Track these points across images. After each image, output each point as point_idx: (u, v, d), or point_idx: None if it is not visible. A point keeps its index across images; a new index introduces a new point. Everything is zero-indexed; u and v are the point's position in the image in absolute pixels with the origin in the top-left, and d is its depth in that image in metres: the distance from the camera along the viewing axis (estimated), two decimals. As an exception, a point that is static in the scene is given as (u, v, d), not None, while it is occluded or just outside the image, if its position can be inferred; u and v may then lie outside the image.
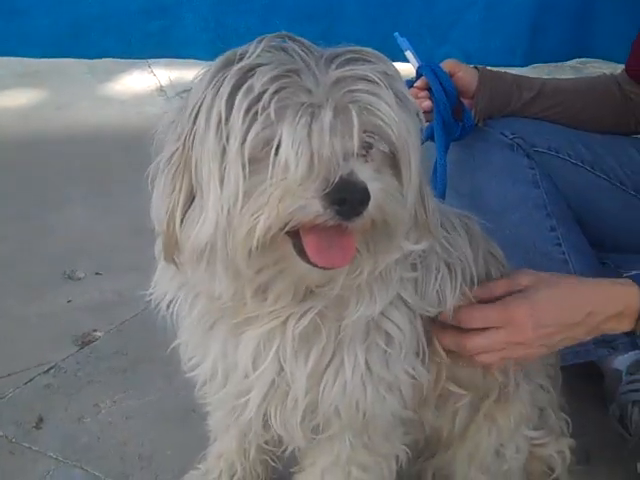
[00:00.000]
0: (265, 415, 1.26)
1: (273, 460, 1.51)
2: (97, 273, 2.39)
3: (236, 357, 1.22)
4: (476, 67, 1.87)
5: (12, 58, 3.23)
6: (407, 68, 1.78)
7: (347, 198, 0.98)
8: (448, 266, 1.28)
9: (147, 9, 2.97)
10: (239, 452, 1.52)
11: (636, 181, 1.91)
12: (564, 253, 1.78)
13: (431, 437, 1.47)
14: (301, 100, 0.98)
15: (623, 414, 1.70)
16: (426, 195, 1.15)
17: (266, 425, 1.28)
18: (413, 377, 1.26)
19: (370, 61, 1.04)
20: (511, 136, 1.88)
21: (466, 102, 1.85)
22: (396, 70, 1.08)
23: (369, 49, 1.07)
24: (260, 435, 1.33)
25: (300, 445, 1.33)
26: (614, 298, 1.35)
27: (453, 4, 2.91)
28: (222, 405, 1.36)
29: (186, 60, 3.84)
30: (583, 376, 1.79)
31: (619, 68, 2.06)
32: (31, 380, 1.94)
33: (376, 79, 1.02)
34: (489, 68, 1.90)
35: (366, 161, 1.04)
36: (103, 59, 4.05)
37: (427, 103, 1.76)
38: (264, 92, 0.98)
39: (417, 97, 1.77)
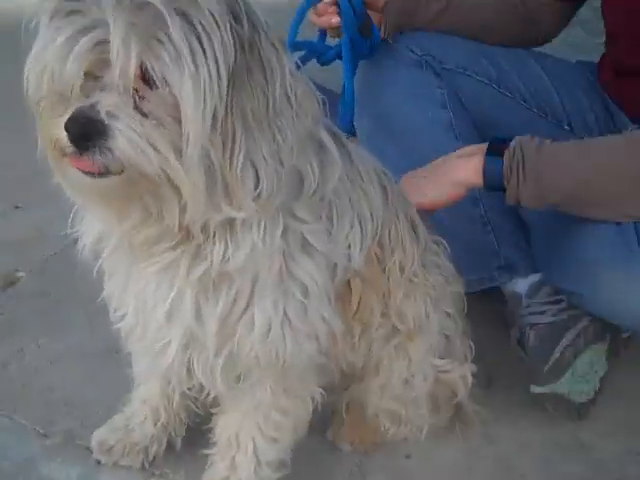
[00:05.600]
0: (188, 363, 1.26)
1: (196, 406, 1.51)
2: (16, 207, 2.30)
3: (154, 300, 1.21)
4: None
5: None
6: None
7: (70, 128, 0.97)
8: (360, 221, 1.26)
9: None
10: (163, 398, 1.52)
11: (539, 99, 1.90)
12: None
13: (346, 372, 1.49)
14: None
15: (522, 337, 1.74)
16: (236, 162, 1.02)
17: (189, 372, 1.28)
18: (328, 324, 1.27)
19: None
20: (420, 53, 1.84)
21: (375, 17, 1.80)
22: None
23: None
24: (184, 382, 1.33)
25: (222, 392, 1.34)
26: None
27: None
28: (145, 352, 1.35)
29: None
30: (487, 301, 1.82)
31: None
32: (-48, 326, 1.88)
33: (165, 8, 0.93)
34: None
35: (140, 102, 0.97)
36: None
37: (335, 19, 1.71)
38: None
39: (326, 13, 1.72)
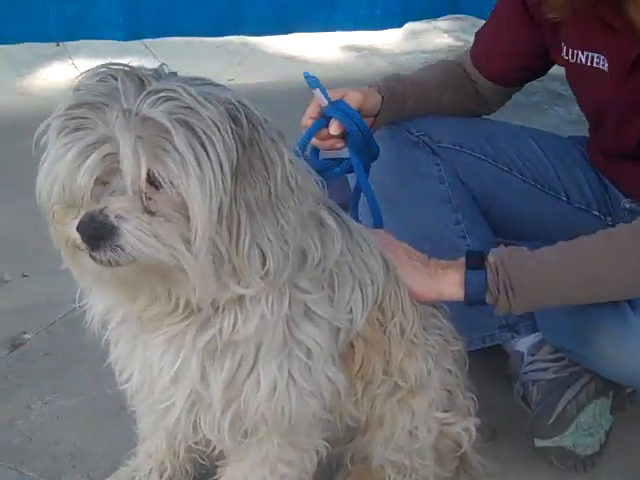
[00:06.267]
0: (195, 421, 1.30)
1: (202, 458, 1.53)
2: (24, 275, 2.36)
3: (159, 366, 1.26)
4: (380, 92, 1.83)
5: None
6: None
7: (82, 231, 1.06)
8: (360, 287, 1.33)
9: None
10: (169, 452, 1.54)
11: (534, 171, 1.98)
12: (469, 245, 1.84)
13: (351, 426, 1.51)
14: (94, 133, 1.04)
15: (526, 392, 1.78)
16: (242, 246, 1.10)
17: (195, 429, 1.31)
18: (333, 383, 1.32)
19: (174, 98, 1.04)
20: (417, 134, 1.93)
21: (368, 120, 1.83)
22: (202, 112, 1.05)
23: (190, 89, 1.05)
24: (190, 437, 1.36)
25: (229, 447, 1.37)
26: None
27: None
28: (151, 411, 1.39)
29: (106, 46, 3.83)
30: (491, 357, 1.86)
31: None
32: (-39, 385, 1.90)
33: (168, 121, 1.03)
34: (390, 88, 1.87)
35: (147, 202, 1.06)
36: (23, 52, 4.03)
37: (340, 144, 1.72)
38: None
39: (329, 138, 1.71)
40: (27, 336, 2.11)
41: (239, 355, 1.23)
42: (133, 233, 1.05)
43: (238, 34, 4.14)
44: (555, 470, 1.70)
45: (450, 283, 1.50)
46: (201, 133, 1.04)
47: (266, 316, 1.19)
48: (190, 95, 1.04)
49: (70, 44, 4.09)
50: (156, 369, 1.26)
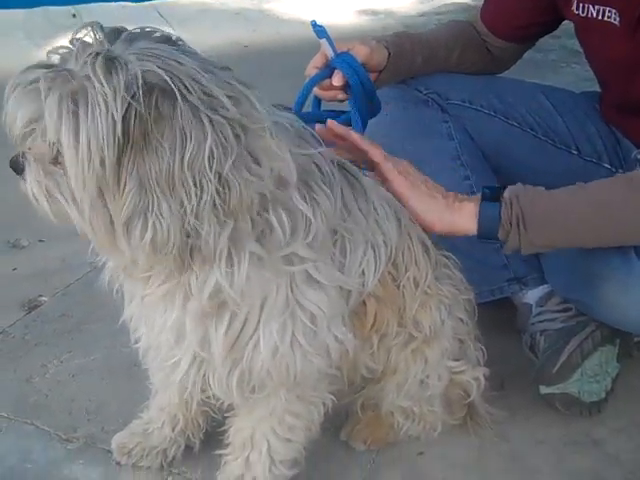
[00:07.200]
0: (203, 379, 1.33)
1: (214, 411, 1.54)
2: (40, 240, 2.39)
3: (159, 324, 1.29)
4: (387, 47, 1.81)
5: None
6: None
7: (10, 165, 1.16)
8: (373, 249, 1.34)
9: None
10: (181, 405, 1.56)
11: (545, 126, 1.97)
12: (477, 201, 1.85)
13: (366, 377, 1.54)
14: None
15: (533, 343, 1.80)
16: (123, 207, 1.08)
17: (204, 386, 1.35)
18: (341, 343, 1.33)
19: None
20: (425, 91, 1.93)
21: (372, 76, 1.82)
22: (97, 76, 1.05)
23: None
24: (200, 393, 1.39)
25: (237, 402, 1.40)
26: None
27: None
28: (161, 368, 1.43)
29: (121, 14, 3.83)
30: (500, 308, 1.88)
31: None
32: (-21, 346, 1.94)
33: (43, 89, 1.06)
34: (398, 45, 1.84)
35: (56, 154, 1.10)
36: (40, 23, 4.06)
37: (342, 96, 1.72)
38: None
39: (331, 88, 1.72)
40: (44, 298, 2.15)
41: (243, 316, 1.24)
42: (28, 178, 1.14)
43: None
44: (562, 417, 1.71)
45: (464, 215, 1.49)
46: (89, 103, 1.05)
47: (223, 287, 1.19)
48: (92, 65, 1.05)
49: (86, 16, 4.11)
50: (157, 327, 1.29)
